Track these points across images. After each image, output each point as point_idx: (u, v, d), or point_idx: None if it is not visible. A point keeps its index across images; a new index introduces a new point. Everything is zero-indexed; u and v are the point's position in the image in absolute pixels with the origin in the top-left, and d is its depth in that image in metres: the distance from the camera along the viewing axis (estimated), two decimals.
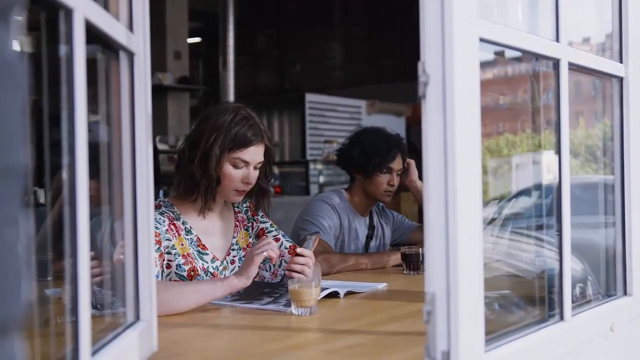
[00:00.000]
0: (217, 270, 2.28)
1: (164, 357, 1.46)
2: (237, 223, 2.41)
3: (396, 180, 3.03)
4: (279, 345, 1.61)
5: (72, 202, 1.01)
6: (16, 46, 0.61)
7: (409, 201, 6.55)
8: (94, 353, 1.08)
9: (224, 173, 2.21)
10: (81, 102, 1.02)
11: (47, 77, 1.06)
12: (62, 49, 1.02)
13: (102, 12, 1.15)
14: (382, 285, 2.38)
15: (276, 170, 7.85)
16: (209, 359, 1.55)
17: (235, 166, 2.21)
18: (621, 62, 1.81)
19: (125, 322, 1.35)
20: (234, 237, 2.38)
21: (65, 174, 1.01)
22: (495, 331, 1.33)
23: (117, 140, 1.36)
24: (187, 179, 2.22)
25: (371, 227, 3.16)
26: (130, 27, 1.36)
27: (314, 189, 7.40)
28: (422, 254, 2.66)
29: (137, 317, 1.38)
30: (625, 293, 1.81)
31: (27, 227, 0.59)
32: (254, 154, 2.23)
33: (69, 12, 1.00)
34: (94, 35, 1.11)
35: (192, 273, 2.19)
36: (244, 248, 2.39)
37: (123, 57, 1.35)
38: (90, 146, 1.06)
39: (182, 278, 2.19)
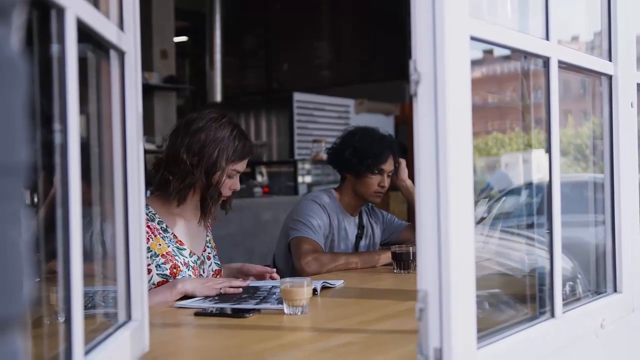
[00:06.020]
0: (196, 264, 2.32)
1: (156, 357, 1.46)
2: (209, 223, 2.48)
3: (387, 182, 3.03)
4: (272, 345, 1.60)
5: (64, 203, 1.00)
6: (17, 45, 0.61)
7: (397, 200, 6.57)
8: (86, 353, 1.08)
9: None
10: (73, 102, 1.01)
11: (37, 76, 1.05)
12: (54, 48, 1.01)
13: (94, 10, 1.14)
14: (339, 283, 2.38)
15: (264, 170, 7.83)
16: (201, 359, 1.55)
17: (230, 176, 2.29)
18: (610, 60, 1.82)
19: (117, 322, 1.35)
20: (207, 236, 2.46)
21: (57, 175, 1.01)
22: (487, 328, 1.33)
23: (107, 139, 1.35)
24: (187, 187, 2.26)
25: (361, 227, 3.16)
26: (121, 25, 1.36)
27: (302, 188, 7.38)
28: (413, 253, 2.67)
29: (129, 317, 1.38)
30: (615, 290, 1.83)
31: (29, 225, 0.59)
32: (245, 164, 2.34)
33: (60, 11, 0.99)
34: (84, 33, 1.11)
35: (175, 270, 2.23)
36: (214, 247, 2.48)
37: (114, 56, 1.34)
38: (80, 146, 1.05)
39: (165, 277, 2.20)
